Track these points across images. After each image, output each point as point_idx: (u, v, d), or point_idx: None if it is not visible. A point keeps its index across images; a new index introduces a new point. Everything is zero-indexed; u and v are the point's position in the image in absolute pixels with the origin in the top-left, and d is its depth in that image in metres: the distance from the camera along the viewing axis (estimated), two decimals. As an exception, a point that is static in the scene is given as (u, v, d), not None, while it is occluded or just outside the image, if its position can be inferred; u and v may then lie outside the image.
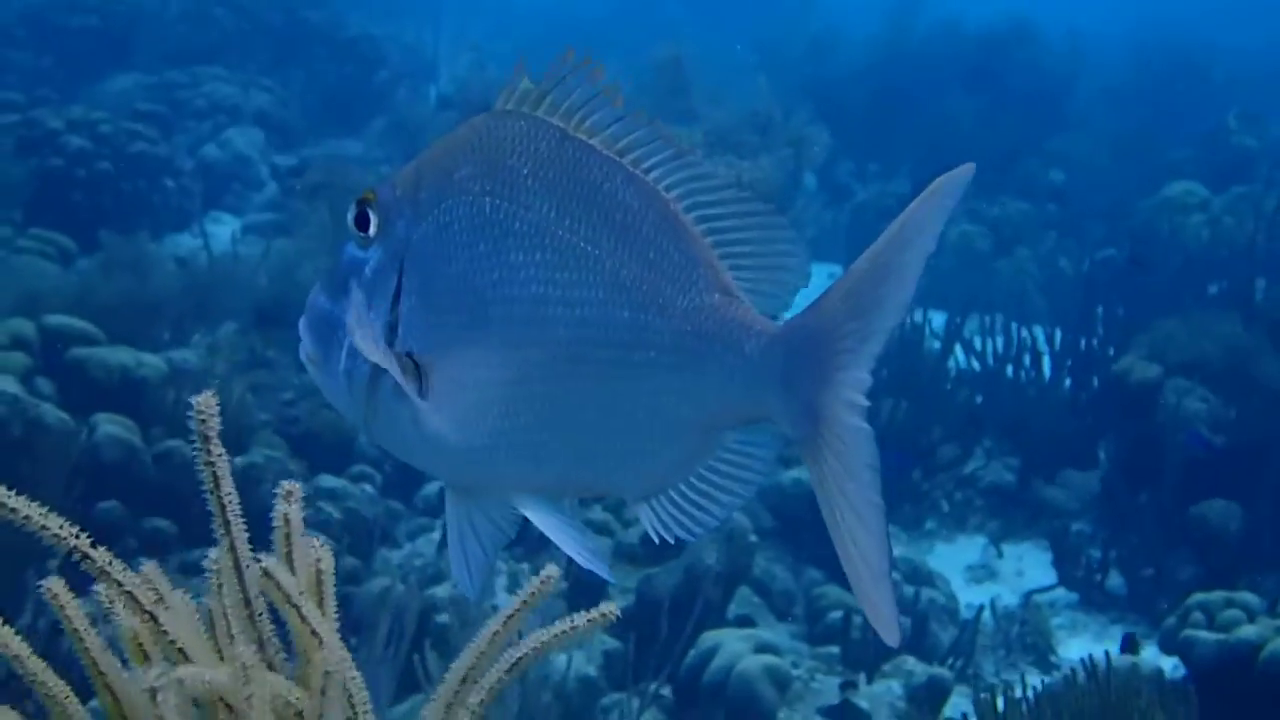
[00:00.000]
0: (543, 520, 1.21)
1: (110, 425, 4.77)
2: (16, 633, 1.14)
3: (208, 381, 5.58)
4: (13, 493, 1.27)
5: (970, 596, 5.35)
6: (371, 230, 1.20)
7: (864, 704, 3.92)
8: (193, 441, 1.15)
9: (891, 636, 1.16)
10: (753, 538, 4.61)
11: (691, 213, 1.17)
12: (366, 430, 1.28)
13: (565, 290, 1.15)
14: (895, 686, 4.03)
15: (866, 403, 1.15)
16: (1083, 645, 5.17)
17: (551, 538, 1.21)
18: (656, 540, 1.23)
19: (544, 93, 1.17)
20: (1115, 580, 5.46)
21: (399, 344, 1.20)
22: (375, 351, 1.18)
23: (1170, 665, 4.36)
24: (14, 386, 4.86)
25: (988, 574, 5.58)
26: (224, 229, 8.40)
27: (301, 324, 1.27)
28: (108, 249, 6.45)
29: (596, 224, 1.15)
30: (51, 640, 3.04)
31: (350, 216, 1.22)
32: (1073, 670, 3.53)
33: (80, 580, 1.14)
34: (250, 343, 5.86)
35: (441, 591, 4.37)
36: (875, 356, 1.14)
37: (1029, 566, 5.64)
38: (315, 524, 4.48)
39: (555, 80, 1.16)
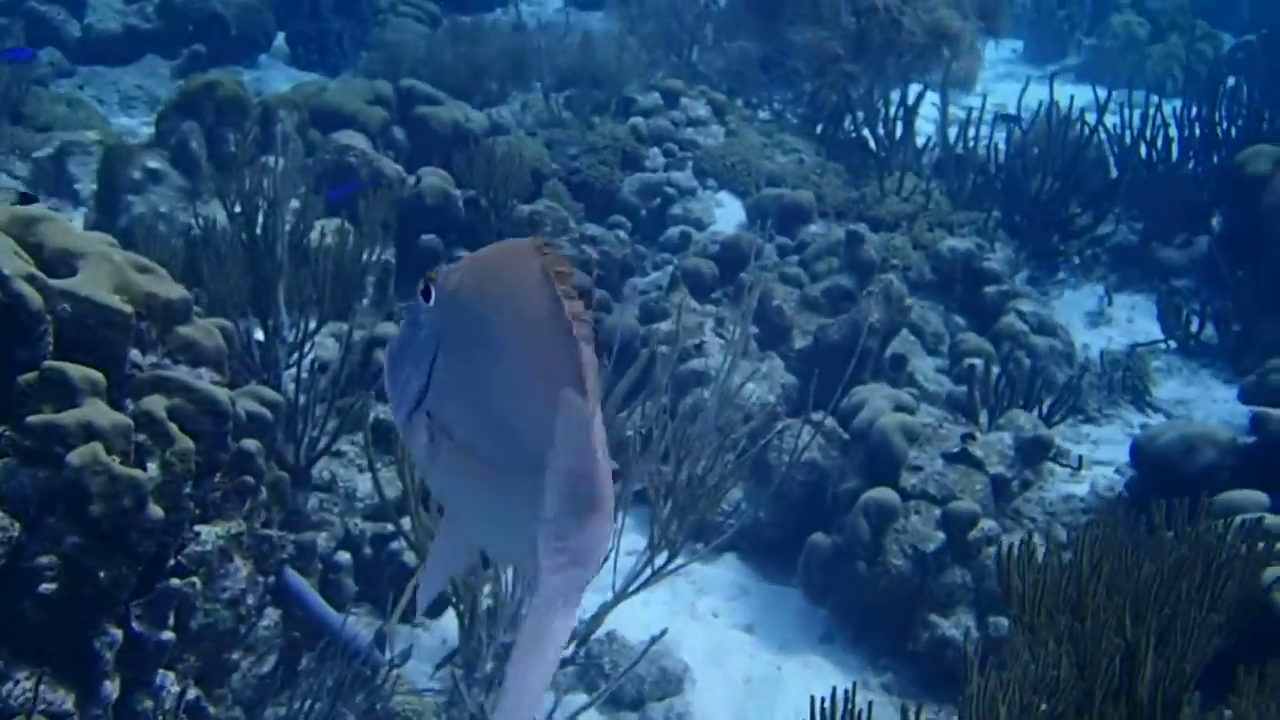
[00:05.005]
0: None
1: (432, 176, 4.38)
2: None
3: (517, 134, 5.13)
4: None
5: (1088, 338, 4.66)
6: (431, 303, 1.02)
7: (979, 452, 3.39)
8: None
9: None
10: (908, 301, 4.00)
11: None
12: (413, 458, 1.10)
13: (466, 412, 0.99)
14: (1007, 438, 3.46)
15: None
16: (1176, 388, 4.47)
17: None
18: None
19: (550, 243, 0.96)
20: (1209, 333, 4.67)
21: (425, 403, 1.03)
22: (400, 423, 1.04)
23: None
24: (363, 142, 4.52)
25: (1104, 320, 4.84)
26: (544, 9, 7.76)
27: (385, 352, 1.08)
28: (451, 23, 5.95)
29: (511, 362, 0.95)
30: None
31: (419, 288, 1.02)
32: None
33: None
34: (551, 104, 5.33)
35: (665, 326, 3.97)
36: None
37: (1139, 315, 4.86)
38: (578, 263, 4.09)
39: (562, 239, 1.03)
